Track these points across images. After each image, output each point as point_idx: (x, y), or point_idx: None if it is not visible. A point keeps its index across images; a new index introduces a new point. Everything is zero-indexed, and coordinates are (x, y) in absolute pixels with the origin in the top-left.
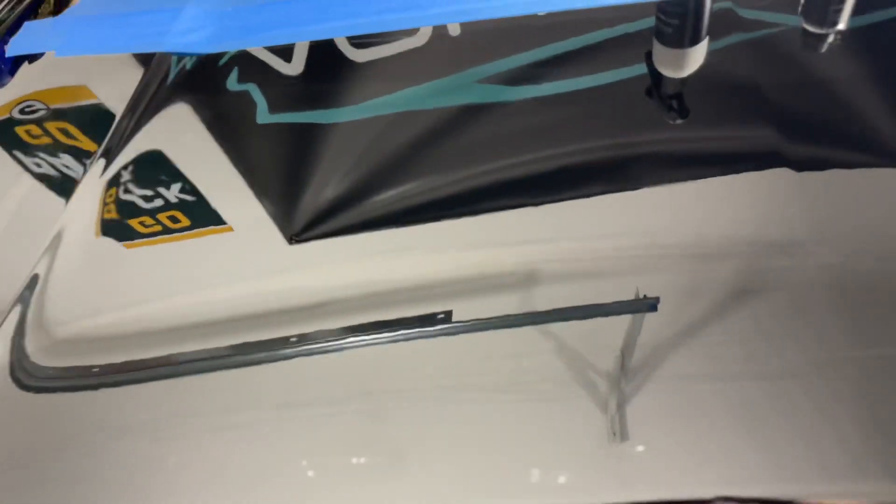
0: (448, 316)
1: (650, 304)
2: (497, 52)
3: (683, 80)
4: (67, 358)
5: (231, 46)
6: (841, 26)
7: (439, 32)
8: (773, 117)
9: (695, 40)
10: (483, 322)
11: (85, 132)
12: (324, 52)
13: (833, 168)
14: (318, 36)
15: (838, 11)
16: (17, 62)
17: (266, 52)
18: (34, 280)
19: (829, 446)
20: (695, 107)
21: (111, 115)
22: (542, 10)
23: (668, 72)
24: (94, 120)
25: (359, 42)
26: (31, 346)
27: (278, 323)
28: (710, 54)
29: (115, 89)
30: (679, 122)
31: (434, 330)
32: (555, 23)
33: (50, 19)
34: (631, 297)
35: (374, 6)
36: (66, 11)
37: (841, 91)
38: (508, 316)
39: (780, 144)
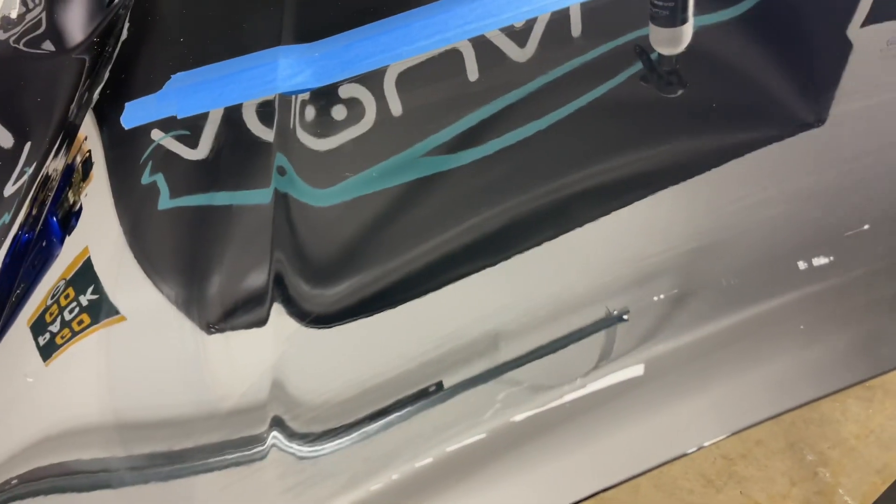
0: (440, 386)
1: (620, 317)
2: (434, 125)
3: (677, 58)
4: None
5: (336, 78)
6: None
7: (382, 117)
8: (686, 126)
9: (685, 20)
10: (474, 379)
11: None
12: (233, 136)
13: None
14: (412, 54)
15: None
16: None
17: (174, 141)
18: None
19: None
20: (608, 134)
21: None
22: None
23: (665, 50)
24: None
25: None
26: None
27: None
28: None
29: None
30: (680, 92)
31: (429, 402)
32: (485, 88)
33: (152, 95)
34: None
35: (455, 21)
36: (165, 87)
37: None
38: (501, 365)
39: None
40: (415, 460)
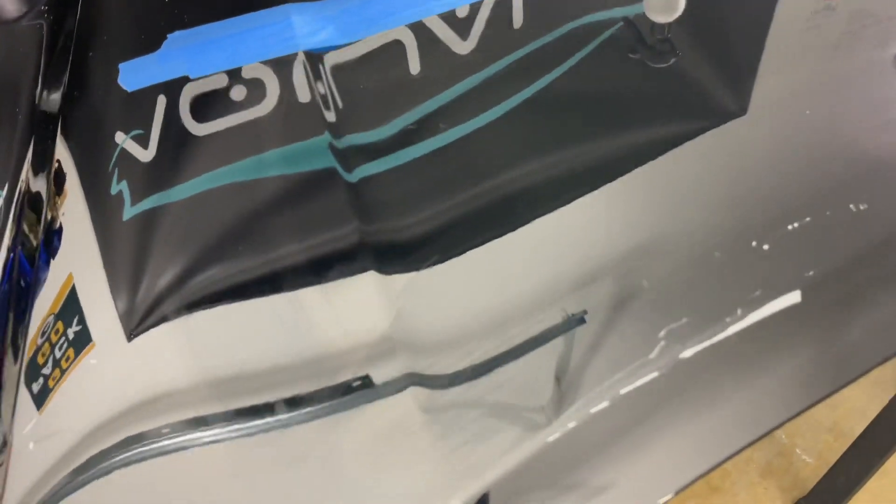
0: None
1: (578, 319)
2: (373, 121)
3: (669, 25)
4: None
5: (361, 35)
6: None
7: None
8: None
9: None
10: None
11: None
12: (173, 131)
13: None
14: (443, 9)
15: None
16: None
17: (132, 142)
18: None
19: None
20: (550, 128)
21: None
22: None
23: (660, 17)
24: None
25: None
26: None
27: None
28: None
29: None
30: (672, 60)
31: (355, 398)
32: (428, 81)
33: (150, 56)
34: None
35: None
36: (164, 47)
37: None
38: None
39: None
40: (590, 406)
